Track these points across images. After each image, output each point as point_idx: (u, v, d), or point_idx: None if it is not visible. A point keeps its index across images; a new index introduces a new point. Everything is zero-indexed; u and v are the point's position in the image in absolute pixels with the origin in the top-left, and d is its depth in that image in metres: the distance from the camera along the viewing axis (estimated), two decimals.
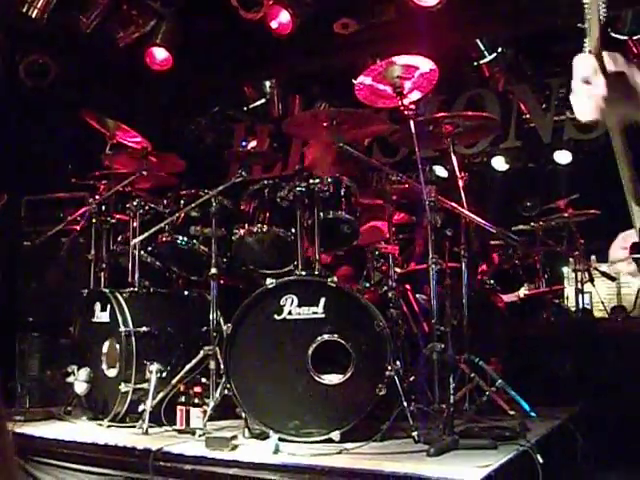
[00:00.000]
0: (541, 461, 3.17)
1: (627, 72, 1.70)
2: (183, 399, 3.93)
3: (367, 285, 4.22)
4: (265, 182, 4.16)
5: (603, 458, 4.10)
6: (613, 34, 6.33)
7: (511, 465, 3.06)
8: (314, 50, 6.97)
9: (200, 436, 3.65)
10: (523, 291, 6.26)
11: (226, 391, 3.77)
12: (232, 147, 8.26)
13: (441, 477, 2.78)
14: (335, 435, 3.44)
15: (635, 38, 6.42)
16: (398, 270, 4.47)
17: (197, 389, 3.94)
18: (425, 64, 4.06)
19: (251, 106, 7.91)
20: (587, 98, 1.67)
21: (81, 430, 4.07)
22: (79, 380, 4.28)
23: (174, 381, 4.06)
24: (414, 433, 3.42)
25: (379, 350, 3.57)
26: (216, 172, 6.39)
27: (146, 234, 4.37)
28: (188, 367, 4.09)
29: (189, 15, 6.68)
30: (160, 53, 6.75)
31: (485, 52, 7.34)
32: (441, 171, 7.63)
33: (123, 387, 4.08)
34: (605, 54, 1.67)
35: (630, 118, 1.73)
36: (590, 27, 1.71)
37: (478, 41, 7.27)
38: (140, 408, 3.99)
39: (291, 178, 4.05)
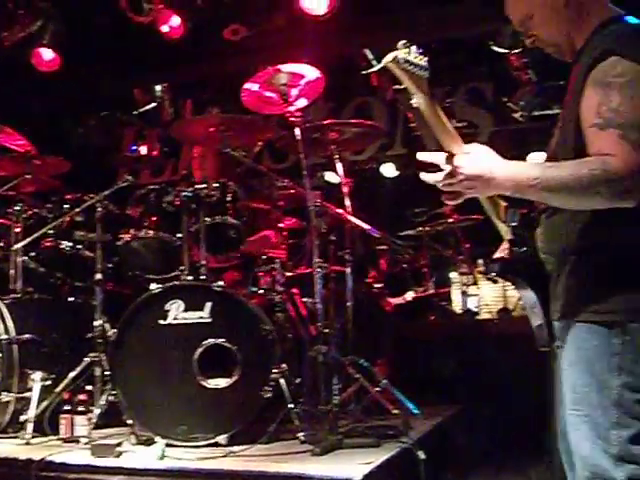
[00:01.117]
0: (423, 457, 3.26)
1: None
2: (68, 407, 3.85)
3: (254, 289, 4.25)
4: (151, 187, 4.14)
5: (482, 455, 4.26)
6: (494, 48, 6.57)
7: (393, 462, 3.17)
8: (205, 55, 6.95)
9: (85, 444, 3.59)
10: (411, 294, 6.40)
11: (112, 398, 3.73)
12: (121, 151, 8.12)
13: (325, 475, 2.85)
14: (222, 439, 3.45)
15: (515, 52, 6.68)
16: (287, 274, 4.52)
17: (82, 397, 3.86)
18: (311, 72, 4.14)
19: (141, 110, 7.79)
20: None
21: None
22: None
23: (58, 389, 3.98)
24: (300, 434, 3.48)
25: (265, 354, 3.62)
26: (103, 176, 6.26)
27: (29, 239, 4.29)
28: (72, 375, 4.01)
29: (78, 16, 6.55)
30: (47, 54, 6.60)
31: (373, 61, 7.47)
32: (333, 177, 7.70)
33: (4, 397, 3.96)
34: None
35: None
36: (410, 86, 1.77)
37: (367, 51, 7.40)
38: (22, 418, 3.89)
39: (178, 183, 4.05)
